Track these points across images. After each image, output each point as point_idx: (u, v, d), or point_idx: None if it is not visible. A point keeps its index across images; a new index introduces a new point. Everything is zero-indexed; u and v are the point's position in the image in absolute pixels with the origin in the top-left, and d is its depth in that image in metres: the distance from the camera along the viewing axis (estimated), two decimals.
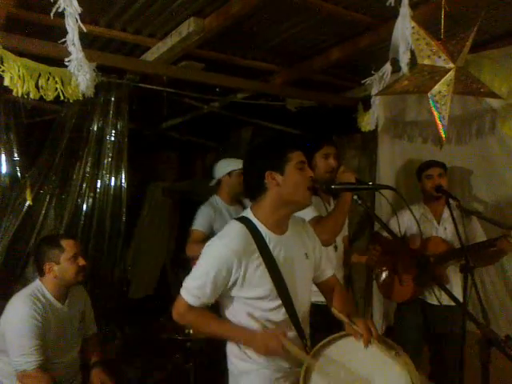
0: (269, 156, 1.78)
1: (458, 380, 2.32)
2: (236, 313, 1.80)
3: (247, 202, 3.48)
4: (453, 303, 2.70)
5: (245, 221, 1.78)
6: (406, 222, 2.95)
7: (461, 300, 1.97)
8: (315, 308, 2.01)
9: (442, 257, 2.83)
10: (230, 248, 1.70)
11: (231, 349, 1.85)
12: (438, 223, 2.99)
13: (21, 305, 2.29)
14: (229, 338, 1.82)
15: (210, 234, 3.21)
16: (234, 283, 1.72)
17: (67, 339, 2.45)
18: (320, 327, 1.92)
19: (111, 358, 3.12)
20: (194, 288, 1.75)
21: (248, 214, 1.81)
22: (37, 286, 2.40)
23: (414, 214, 2.82)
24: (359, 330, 1.67)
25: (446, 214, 2.96)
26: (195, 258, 3.23)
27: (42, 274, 2.41)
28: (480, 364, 1.59)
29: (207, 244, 1.79)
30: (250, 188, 1.83)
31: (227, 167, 3.29)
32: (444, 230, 2.97)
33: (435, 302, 2.88)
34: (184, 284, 1.79)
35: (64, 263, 2.38)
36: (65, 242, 2.41)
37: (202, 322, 1.81)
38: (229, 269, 1.69)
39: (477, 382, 1.72)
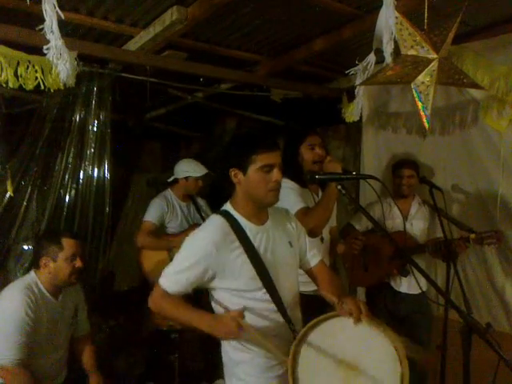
0: (235, 154, 1.82)
1: (440, 366, 2.37)
2: (222, 303, 1.80)
3: (199, 199, 3.64)
4: (414, 292, 2.95)
5: (224, 213, 1.83)
6: (375, 216, 2.98)
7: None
8: (302, 298, 2.02)
9: (410, 251, 2.94)
10: (208, 239, 1.74)
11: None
12: (406, 219, 3.09)
13: (15, 298, 2.26)
14: (194, 323, 1.78)
15: (160, 226, 3.39)
16: (214, 275, 1.75)
17: (58, 335, 2.43)
18: (309, 316, 1.93)
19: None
20: (170, 274, 1.79)
21: (227, 206, 1.86)
22: (32, 278, 2.37)
23: (384, 208, 2.99)
24: (349, 308, 1.66)
25: (413, 210, 3.15)
26: (145, 248, 3.34)
27: (37, 266, 2.38)
28: (462, 351, 1.62)
29: (188, 236, 1.81)
30: (224, 180, 1.87)
31: (186, 172, 3.44)
32: (410, 226, 3.10)
33: (397, 289, 3.07)
34: (162, 272, 1.81)
35: (60, 262, 2.34)
36: (65, 241, 2.37)
37: (173, 309, 1.81)
38: (206, 259, 1.72)
39: (458, 368, 1.75)
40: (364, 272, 3.12)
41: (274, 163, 1.77)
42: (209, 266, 1.73)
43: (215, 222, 1.81)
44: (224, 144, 5.06)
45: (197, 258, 1.73)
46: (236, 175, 1.79)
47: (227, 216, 1.81)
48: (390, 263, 3.02)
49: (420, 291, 2.83)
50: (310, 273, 2.02)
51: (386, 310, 3.04)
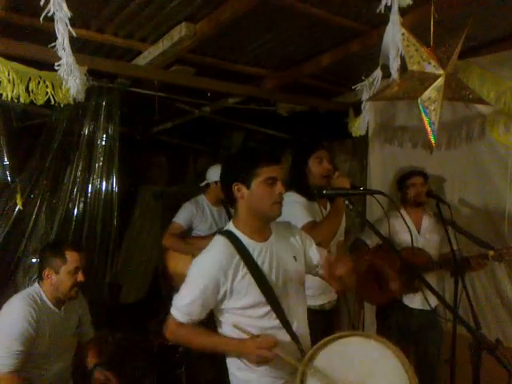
0: (237, 169, 1.82)
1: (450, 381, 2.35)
2: (225, 324, 1.82)
3: None
4: (428, 308, 2.85)
5: (227, 234, 1.83)
6: (386, 231, 2.94)
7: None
8: (309, 313, 2.02)
9: (422, 267, 2.89)
10: (214, 263, 1.74)
11: (231, 359, 1.85)
12: (418, 233, 3.06)
13: (17, 305, 2.27)
14: (219, 350, 1.82)
15: (188, 229, 3.58)
16: (224, 296, 1.75)
17: (61, 345, 2.42)
18: (314, 331, 1.92)
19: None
20: (182, 306, 1.77)
21: (230, 226, 1.87)
22: (35, 289, 2.38)
23: (395, 223, 2.89)
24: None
25: (425, 223, 3.09)
26: (170, 248, 3.49)
27: (41, 277, 2.39)
28: (471, 367, 1.61)
29: (194, 261, 1.82)
30: (226, 197, 1.88)
31: (217, 176, 3.45)
32: (424, 239, 3.05)
33: (411, 305, 3.00)
34: (173, 302, 1.81)
35: (63, 275, 2.35)
36: (69, 254, 2.37)
37: (193, 337, 1.81)
38: (216, 283, 1.72)
39: (467, 383, 1.74)
40: (378, 290, 3.06)
41: (277, 176, 1.78)
42: (218, 289, 1.73)
43: (219, 244, 1.81)
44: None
45: (205, 283, 1.72)
46: (239, 190, 1.79)
47: (230, 236, 1.81)
48: (402, 279, 2.97)
49: (434, 306, 2.80)
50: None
51: (397, 327, 2.97)
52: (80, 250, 2.46)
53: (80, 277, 2.38)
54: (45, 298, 2.36)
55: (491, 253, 2.71)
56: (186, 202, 3.65)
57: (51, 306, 2.38)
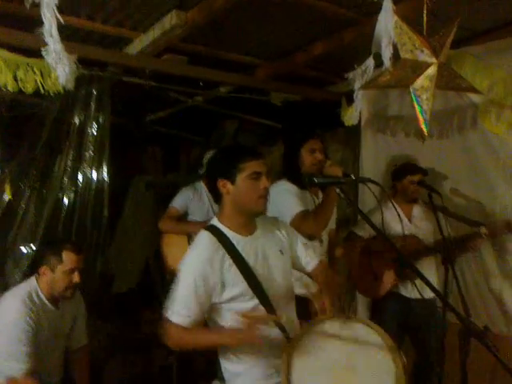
0: (221, 165, 1.83)
1: (439, 368, 2.37)
2: (218, 321, 1.82)
3: None
4: (428, 296, 2.86)
5: (211, 228, 1.84)
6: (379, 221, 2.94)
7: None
8: (299, 300, 2.02)
9: (416, 253, 2.90)
10: (200, 258, 1.76)
11: (223, 353, 1.86)
12: (410, 222, 3.06)
13: (16, 307, 2.26)
14: (217, 342, 1.81)
15: (184, 214, 3.60)
16: (214, 289, 1.75)
17: (55, 342, 2.44)
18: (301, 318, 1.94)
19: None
20: (179, 309, 1.76)
21: (214, 220, 1.88)
22: (32, 285, 2.37)
23: (386, 212, 2.89)
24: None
25: (416, 211, 3.10)
26: (166, 232, 3.51)
27: (38, 273, 2.39)
28: (459, 354, 1.62)
29: (181, 261, 1.82)
30: (212, 193, 1.90)
31: None
32: (415, 227, 3.05)
33: (409, 295, 2.98)
34: (169, 308, 1.79)
35: (58, 274, 2.34)
36: (66, 254, 2.36)
37: (192, 339, 1.81)
38: (205, 277, 1.73)
39: (456, 371, 1.76)
40: (373, 281, 3.04)
41: (261, 171, 1.79)
42: (208, 281, 1.73)
43: (203, 239, 1.82)
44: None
45: (195, 277, 1.73)
46: (224, 185, 1.79)
47: (214, 230, 1.82)
48: (397, 269, 2.96)
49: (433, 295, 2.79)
50: (309, 275, 2.04)
51: (394, 320, 2.96)
52: (79, 251, 2.44)
53: (76, 278, 2.37)
54: (41, 295, 2.36)
55: (483, 229, 2.73)
56: (183, 188, 3.67)
57: (47, 302, 2.38)
